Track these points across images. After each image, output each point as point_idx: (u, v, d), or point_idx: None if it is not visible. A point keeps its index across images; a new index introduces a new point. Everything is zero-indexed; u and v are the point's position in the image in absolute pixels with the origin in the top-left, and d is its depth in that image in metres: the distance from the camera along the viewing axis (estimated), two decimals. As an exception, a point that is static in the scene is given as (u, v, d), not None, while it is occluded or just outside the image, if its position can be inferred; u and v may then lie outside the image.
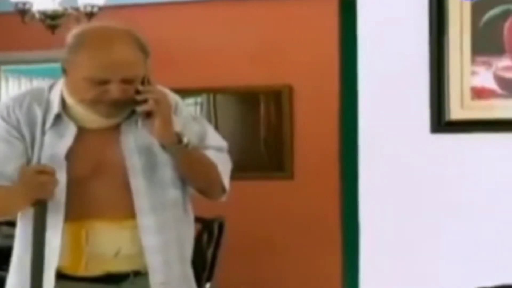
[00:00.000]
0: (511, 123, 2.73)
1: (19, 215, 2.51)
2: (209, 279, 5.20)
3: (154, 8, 6.74)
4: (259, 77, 6.61)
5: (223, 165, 2.58)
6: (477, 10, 2.73)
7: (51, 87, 2.51)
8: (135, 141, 2.46)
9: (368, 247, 2.87)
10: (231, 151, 2.64)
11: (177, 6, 6.77)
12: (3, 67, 8.56)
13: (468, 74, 2.74)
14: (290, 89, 6.63)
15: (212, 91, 6.69)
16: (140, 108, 2.40)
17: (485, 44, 2.73)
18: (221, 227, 5.28)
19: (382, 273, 2.86)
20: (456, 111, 2.76)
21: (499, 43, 2.72)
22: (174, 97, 2.57)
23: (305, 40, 6.53)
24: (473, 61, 2.74)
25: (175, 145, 2.43)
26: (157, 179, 2.47)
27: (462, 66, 2.75)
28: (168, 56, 6.33)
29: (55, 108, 2.45)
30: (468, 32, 2.74)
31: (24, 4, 5.70)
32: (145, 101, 2.39)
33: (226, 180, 2.58)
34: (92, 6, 5.76)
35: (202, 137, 2.57)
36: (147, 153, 2.46)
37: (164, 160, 2.47)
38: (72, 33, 2.45)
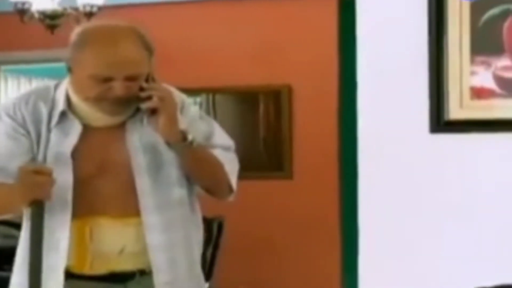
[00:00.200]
0: (510, 123, 2.73)
1: (24, 215, 2.50)
2: (208, 279, 5.20)
3: (153, 8, 6.74)
4: (259, 77, 6.61)
5: (230, 164, 2.56)
6: (476, 10, 2.73)
7: (57, 86, 2.52)
8: (140, 139, 2.46)
9: (367, 247, 2.87)
10: (230, 151, 2.63)
11: (177, 6, 6.77)
12: (3, 67, 8.56)
13: (467, 74, 2.74)
14: (290, 89, 6.63)
15: (211, 91, 6.69)
16: (144, 105, 2.40)
17: (484, 44, 2.72)
18: (220, 227, 5.28)
19: (382, 273, 2.86)
20: (455, 111, 2.76)
21: (498, 43, 2.72)
22: (180, 96, 2.56)
23: (304, 40, 6.53)
24: (472, 61, 2.74)
25: (180, 142, 2.42)
26: (162, 177, 2.46)
27: (461, 66, 2.75)
28: (168, 56, 6.32)
29: (61, 106, 2.45)
30: (467, 32, 2.74)
31: (23, 4, 5.70)
32: (149, 98, 2.39)
33: (233, 180, 2.57)
34: (92, 6, 5.76)
35: (209, 136, 2.56)
36: (152, 151, 2.45)
37: (170, 158, 2.46)
38: (76, 31, 2.44)
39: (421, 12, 2.77)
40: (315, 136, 6.51)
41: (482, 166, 2.78)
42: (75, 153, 2.43)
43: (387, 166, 2.86)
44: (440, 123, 2.77)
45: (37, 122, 2.45)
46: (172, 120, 2.41)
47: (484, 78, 2.73)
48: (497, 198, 2.76)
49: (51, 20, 5.76)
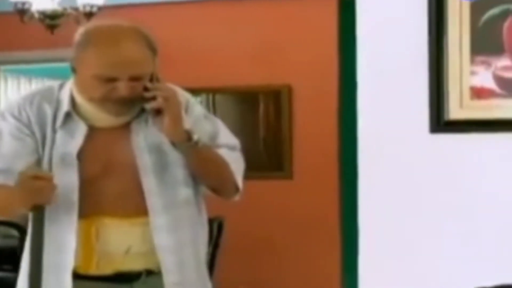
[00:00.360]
0: (510, 123, 2.73)
1: (30, 217, 2.50)
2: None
3: (153, 8, 6.74)
4: (258, 77, 6.61)
5: (236, 163, 2.55)
6: (476, 10, 2.73)
7: (61, 86, 2.51)
8: (145, 139, 2.45)
9: (367, 247, 2.87)
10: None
11: (177, 6, 6.77)
12: (2, 67, 8.57)
13: (467, 74, 2.74)
14: (290, 89, 6.63)
15: (211, 91, 6.69)
16: (148, 106, 2.39)
17: (484, 44, 2.72)
18: (220, 227, 5.28)
19: (382, 273, 2.86)
20: (455, 111, 2.76)
21: (498, 43, 2.71)
22: (185, 95, 2.56)
23: (304, 40, 6.53)
24: (472, 61, 2.74)
25: (185, 142, 2.41)
26: (168, 177, 2.45)
27: (461, 66, 2.75)
28: (167, 56, 6.30)
29: (65, 106, 2.44)
30: (468, 32, 2.74)
31: (23, 4, 5.71)
32: (153, 98, 2.38)
33: (239, 179, 2.56)
34: (91, 6, 5.76)
35: (214, 136, 2.55)
36: (157, 151, 2.45)
37: (175, 158, 2.46)
38: (80, 31, 2.43)
39: (421, 12, 2.77)
40: (315, 136, 6.51)
41: (482, 166, 2.78)
42: (81, 154, 2.42)
43: (387, 166, 2.86)
44: (440, 123, 2.77)
45: (42, 123, 2.44)
46: (177, 120, 2.40)
47: (484, 78, 2.73)
48: (497, 198, 2.76)
49: (51, 20, 5.77)
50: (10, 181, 2.35)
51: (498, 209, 2.76)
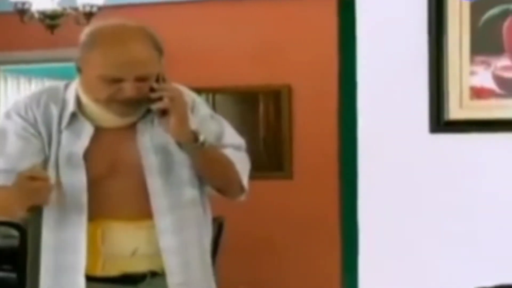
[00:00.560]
0: (510, 123, 2.73)
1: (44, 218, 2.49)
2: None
3: (153, 8, 6.74)
4: (258, 77, 6.61)
5: (242, 163, 2.55)
6: (476, 10, 2.73)
7: (66, 86, 2.50)
8: (151, 140, 2.44)
9: (367, 246, 2.87)
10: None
11: (177, 6, 6.77)
12: (2, 67, 8.57)
13: (467, 74, 2.74)
14: (289, 89, 6.63)
15: (211, 91, 6.69)
16: (154, 106, 2.38)
17: (484, 43, 2.72)
18: (220, 227, 5.28)
19: (381, 273, 2.86)
20: (455, 111, 2.76)
21: (498, 43, 2.71)
22: (191, 95, 2.55)
23: (304, 40, 6.53)
24: (472, 61, 2.74)
25: (192, 143, 2.40)
26: (174, 178, 2.45)
27: (461, 65, 2.74)
28: (167, 55, 6.32)
29: (71, 107, 2.43)
30: (467, 31, 2.73)
31: (23, 4, 5.71)
32: (160, 99, 2.37)
33: (245, 179, 2.56)
34: (91, 6, 5.76)
35: (220, 136, 2.54)
36: (163, 152, 2.44)
37: (181, 159, 2.45)
38: (85, 31, 2.42)
39: (421, 12, 2.76)
40: (315, 136, 6.51)
41: (482, 166, 2.77)
42: (86, 154, 2.42)
43: (387, 166, 2.86)
44: (440, 123, 2.76)
45: (48, 123, 2.43)
46: (183, 121, 2.39)
47: (484, 78, 2.73)
48: (497, 198, 2.76)
49: (51, 20, 5.77)
50: (11, 182, 2.33)
51: (498, 209, 2.76)
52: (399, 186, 2.85)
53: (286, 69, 6.59)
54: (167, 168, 2.44)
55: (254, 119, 6.69)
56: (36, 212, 2.36)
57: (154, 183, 2.43)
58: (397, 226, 2.85)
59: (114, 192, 2.42)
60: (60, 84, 2.52)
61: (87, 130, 2.42)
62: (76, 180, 2.39)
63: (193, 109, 2.50)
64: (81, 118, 2.43)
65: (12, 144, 2.42)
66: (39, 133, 2.42)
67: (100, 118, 2.43)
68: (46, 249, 2.43)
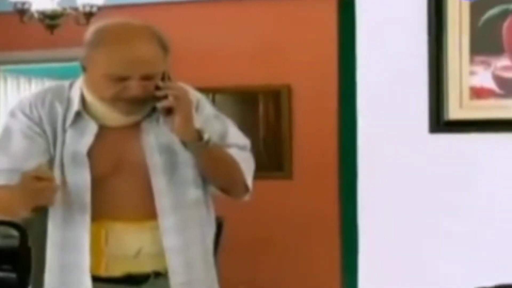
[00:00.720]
0: (510, 123, 2.73)
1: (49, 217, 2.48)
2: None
3: (153, 8, 6.74)
4: (258, 77, 6.61)
5: (246, 163, 2.55)
6: (476, 10, 2.73)
7: (71, 85, 2.49)
8: (155, 139, 2.44)
9: (367, 246, 2.87)
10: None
11: (177, 6, 6.78)
12: (2, 67, 8.58)
13: (466, 74, 2.74)
14: (289, 89, 6.63)
15: (211, 91, 6.68)
16: (160, 104, 2.37)
17: (484, 44, 2.72)
18: (220, 227, 5.27)
19: (382, 273, 2.86)
20: (455, 111, 2.76)
21: (498, 43, 2.71)
22: (196, 94, 2.54)
23: (304, 40, 6.53)
24: (472, 61, 2.74)
25: (196, 142, 2.39)
26: (178, 177, 2.44)
27: (460, 66, 2.74)
28: (167, 56, 6.32)
29: (75, 106, 2.42)
30: (467, 32, 2.73)
31: (23, 4, 5.71)
32: (165, 97, 2.36)
33: (249, 179, 2.55)
34: (91, 6, 5.76)
35: (224, 135, 2.54)
36: (168, 151, 2.43)
37: (186, 158, 2.44)
38: (91, 30, 2.41)
39: (420, 12, 2.76)
40: (315, 136, 6.51)
41: (482, 166, 2.77)
42: (91, 153, 2.41)
43: (387, 166, 2.86)
44: (440, 123, 2.77)
45: (53, 122, 2.42)
46: (188, 119, 2.38)
47: (483, 78, 2.73)
48: (497, 198, 2.76)
49: (51, 20, 5.76)
50: (15, 182, 2.31)
51: (498, 209, 2.76)
52: (399, 186, 2.85)
53: (286, 69, 6.59)
54: (172, 167, 2.43)
55: (254, 119, 6.69)
56: (40, 212, 2.35)
57: (158, 183, 2.42)
58: (397, 226, 2.85)
59: (118, 192, 2.41)
60: (65, 83, 2.51)
61: (91, 129, 2.42)
62: (80, 178, 2.38)
63: (197, 108, 2.49)
64: (86, 116, 2.42)
65: (17, 143, 2.41)
66: (44, 132, 2.41)
67: (104, 117, 2.42)
68: (52, 247, 2.42)
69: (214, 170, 2.50)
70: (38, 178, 2.23)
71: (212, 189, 2.54)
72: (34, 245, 2.40)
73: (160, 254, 2.42)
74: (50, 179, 2.26)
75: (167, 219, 2.41)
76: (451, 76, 2.75)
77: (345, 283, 5.96)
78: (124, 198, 2.41)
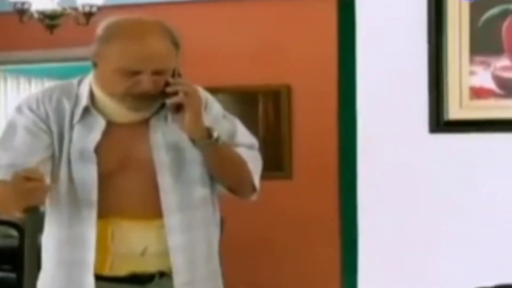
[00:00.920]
0: (510, 123, 2.73)
1: (47, 214, 2.46)
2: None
3: (153, 8, 6.74)
4: (258, 76, 6.61)
5: (254, 162, 2.54)
6: (475, 10, 2.73)
7: (80, 82, 2.47)
8: (163, 136, 2.42)
9: (367, 246, 2.87)
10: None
11: (177, 6, 6.77)
12: (2, 67, 8.58)
13: (466, 74, 2.74)
14: (289, 89, 6.63)
15: (210, 91, 6.65)
16: (170, 100, 2.35)
17: (483, 44, 2.72)
18: (221, 226, 5.27)
19: (382, 273, 2.86)
20: (454, 111, 2.76)
21: (497, 43, 2.72)
22: (204, 93, 2.54)
23: (303, 40, 6.53)
24: (471, 61, 2.74)
25: (205, 139, 2.38)
26: (185, 176, 2.42)
27: (460, 66, 2.75)
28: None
29: (84, 101, 2.41)
30: (467, 32, 2.74)
31: (23, 4, 5.71)
32: (175, 93, 2.35)
33: (256, 178, 2.54)
34: (91, 6, 5.76)
35: (232, 135, 2.53)
36: (175, 149, 2.42)
37: (193, 157, 2.43)
38: (102, 25, 2.40)
39: (420, 12, 2.77)
40: (315, 136, 6.51)
41: (482, 166, 2.78)
42: (98, 149, 2.39)
43: (387, 166, 2.86)
44: (440, 123, 2.77)
45: (60, 119, 2.40)
46: (198, 116, 2.37)
47: (483, 78, 2.73)
48: (497, 198, 2.76)
49: (51, 20, 5.76)
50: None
51: (498, 209, 2.76)
52: (399, 186, 2.85)
53: (285, 69, 6.59)
54: (178, 166, 2.42)
55: (254, 119, 6.69)
56: (33, 212, 2.34)
57: (165, 181, 2.40)
58: (397, 226, 2.85)
59: (125, 189, 2.39)
60: (74, 80, 2.49)
61: (100, 125, 2.40)
62: (87, 174, 2.37)
63: (206, 107, 2.48)
64: (94, 112, 2.41)
65: (21, 138, 2.39)
66: (49, 129, 2.40)
67: (113, 113, 2.41)
68: (57, 244, 2.42)
69: (222, 168, 2.48)
70: (28, 179, 2.20)
71: (220, 188, 2.53)
72: (27, 244, 2.38)
73: (165, 253, 2.40)
74: (40, 179, 2.23)
75: (172, 218, 2.40)
76: (451, 76, 2.75)
77: (345, 283, 5.96)
78: (130, 196, 2.40)
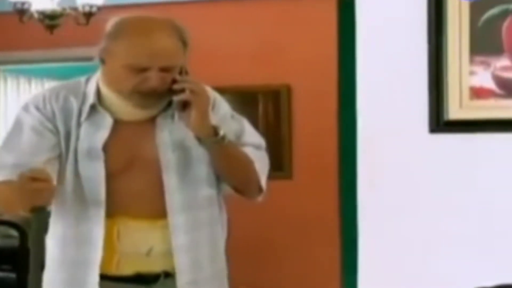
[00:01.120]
0: (510, 123, 2.73)
1: (52, 214, 2.46)
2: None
3: (153, 8, 6.72)
4: (258, 76, 6.61)
5: (261, 163, 2.53)
6: (475, 10, 2.73)
7: (87, 80, 2.47)
8: (169, 135, 2.41)
9: (367, 246, 2.87)
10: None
11: (177, 6, 6.77)
12: (2, 67, 8.58)
13: (466, 74, 2.74)
14: (289, 89, 6.63)
15: (210, 91, 6.68)
16: (177, 98, 2.35)
17: (483, 44, 2.72)
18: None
19: (382, 273, 2.86)
20: (454, 111, 2.76)
21: (497, 43, 2.72)
22: (212, 93, 2.53)
23: (304, 40, 6.53)
24: (471, 61, 2.74)
25: (212, 138, 2.37)
26: (191, 176, 2.42)
27: (460, 66, 2.75)
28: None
29: (91, 99, 2.40)
30: (467, 32, 2.74)
31: (23, 4, 5.71)
32: (182, 91, 2.35)
33: (263, 179, 2.54)
34: (91, 6, 5.76)
35: (240, 134, 2.52)
36: (181, 148, 2.41)
37: (199, 156, 2.42)
38: (111, 22, 2.41)
39: (420, 12, 2.77)
40: (315, 136, 6.50)
41: (482, 166, 2.78)
42: (105, 148, 2.39)
43: (386, 166, 2.86)
44: (440, 123, 2.77)
45: (67, 118, 2.40)
46: (204, 114, 2.36)
47: (483, 78, 2.73)
48: (497, 198, 2.76)
49: (51, 20, 5.76)
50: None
51: (497, 209, 2.76)
52: (399, 186, 2.85)
53: (285, 69, 6.59)
54: (185, 165, 2.41)
55: (253, 119, 6.61)
56: (38, 211, 2.33)
57: (170, 180, 2.40)
58: (397, 226, 2.85)
59: (131, 188, 2.38)
60: (82, 78, 2.49)
61: (107, 122, 2.39)
62: (94, 172, 2.36)
63: (213, 107, 2.48)
64: (101, 110, 2.40)
65: (26, 138, 2.38)
66: (56, 128, 2.39)
67: (119, 111, 2.40)
68: (61, 243, 2.41)
69: (228, 168, 2.47)
70: (34, 179, 2.18)
71: (226, 188, 2.53)
72: (32, 244, 2.38)
73: (170, 253, 2.40)
74: (47, 180, 2.21)
75: (176, 218, 2.39)
76: (451, 76, 2.75)
77: (345, 283, 5.96)
78: (136, 195, 2.39)
